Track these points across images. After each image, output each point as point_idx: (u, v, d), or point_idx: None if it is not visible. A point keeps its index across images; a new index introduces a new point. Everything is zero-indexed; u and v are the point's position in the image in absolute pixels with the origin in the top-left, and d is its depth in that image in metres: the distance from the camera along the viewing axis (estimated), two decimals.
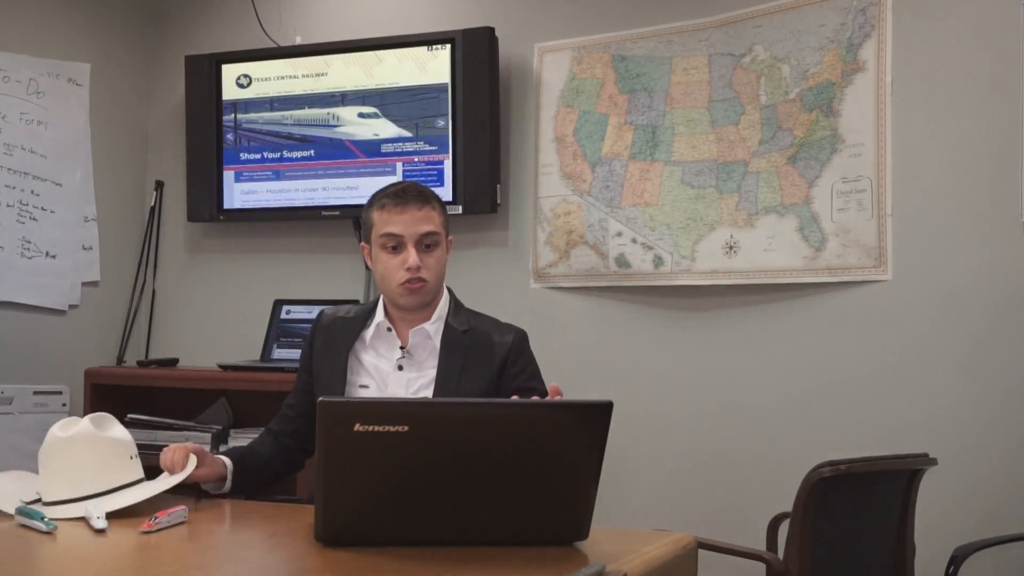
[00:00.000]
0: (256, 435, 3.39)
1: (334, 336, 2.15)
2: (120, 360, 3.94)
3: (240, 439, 3.44)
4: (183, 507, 1.69)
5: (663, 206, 3.28)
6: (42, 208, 3.66)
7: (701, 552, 1.73)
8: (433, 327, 2.10)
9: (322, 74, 3.71)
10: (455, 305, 2.16)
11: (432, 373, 2.08)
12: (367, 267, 3.68)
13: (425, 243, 2.06)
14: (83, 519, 1.64)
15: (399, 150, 3.59)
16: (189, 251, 4.06)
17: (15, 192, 3.57)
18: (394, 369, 2.09)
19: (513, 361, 2.12)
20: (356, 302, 3.62)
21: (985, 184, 2.85)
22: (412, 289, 2.04)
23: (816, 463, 2.23)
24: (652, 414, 3.30)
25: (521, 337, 2.17)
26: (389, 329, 2.11)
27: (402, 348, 2.10)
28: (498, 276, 3.48)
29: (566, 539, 1.54)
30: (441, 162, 3.52)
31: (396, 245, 2.05)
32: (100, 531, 1.58)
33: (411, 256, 2.03)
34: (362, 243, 2.18)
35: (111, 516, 1.66)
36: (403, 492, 1.47)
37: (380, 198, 2.11)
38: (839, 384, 3.05)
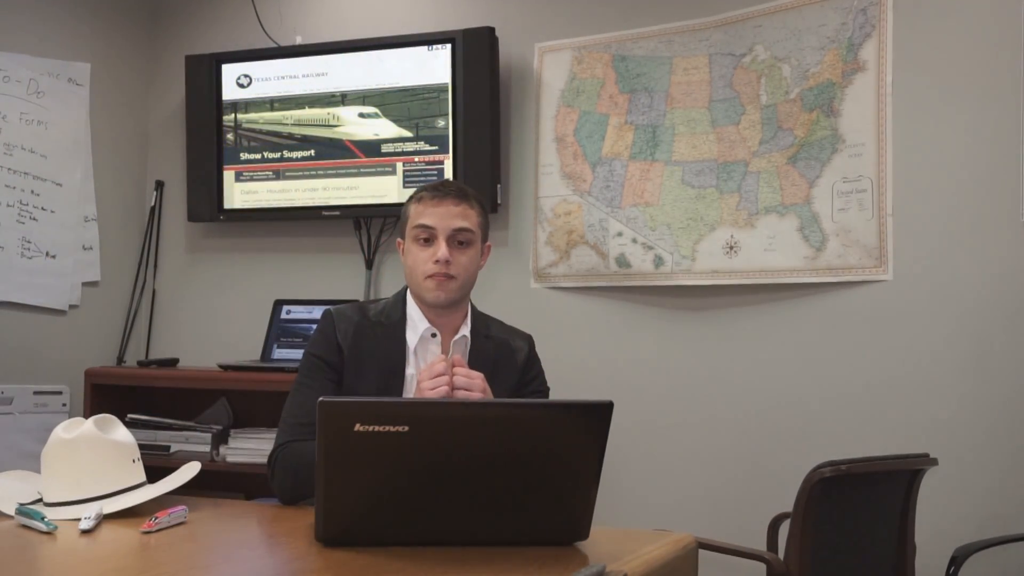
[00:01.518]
0: (258, 436, 3.42)
1: (369, 343, 2.01)
2: (120, 360, 3.94)
3: (240, 439, 3.44)
4: (183, 507, 1.69)
5: (663, 206, 3.28)
6: (42, 208, 3.66)
7: (701, 552, 1.73)
8: (467, 333, 2.06)
9: (322, 74, 3.71)
10: (474, 311, 2.12)
11: None
12: (367, 267, 3.73)
13: (458, 239, 1.99)
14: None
15: (399, 150, 3.59)
16: (189, 251, 4.06)
17: (15, 192, 3.57)
18: None
19: (529, 368, 2.12)
20: (355, 301, 3.63)
21: (985, 184, 2.85)
22: (439, 282, 1.97)
23: (816, 463, 2.23)
24: (652, 414, 3.30)
25: (532, 343, 2.17)
26: (434, 335, 2.03)
27: None
28: (498, 276, 3.48)
29: (566, 539, 1.54)
30: (441, 162, 3.52)
31: (428, 238, 1.99)
32: (86, 532, 1.58)
33: (441, 248, 1.97)
34: (398, 239, 2.11)
35: (111, 516, 1.67)
36: (403, 492, 1.47)
37: (419, 191, 2.06)
38: (839, 384, 3.05)
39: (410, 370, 2.01)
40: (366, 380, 1.97)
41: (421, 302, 2.04)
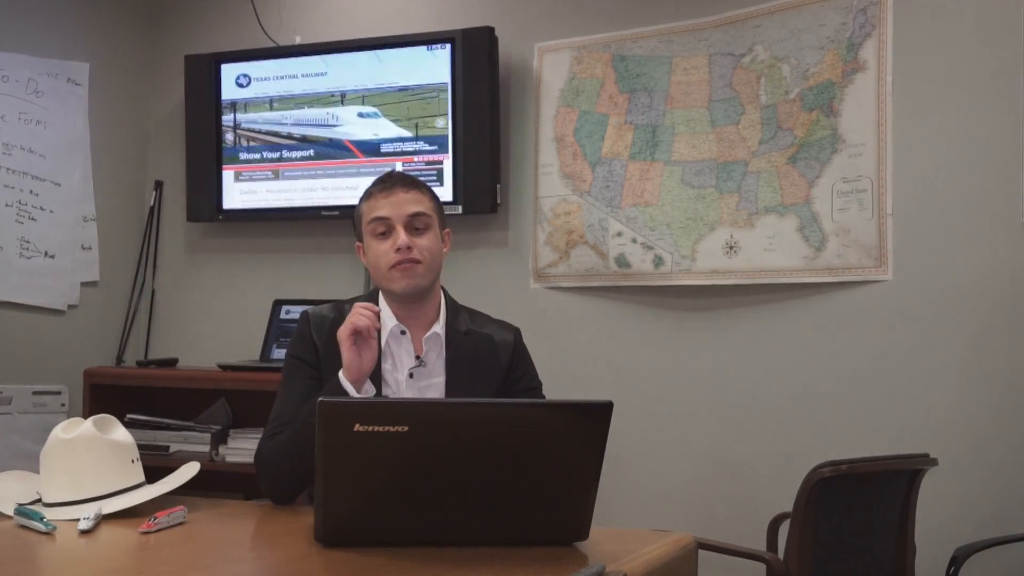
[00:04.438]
0: (257, 436, 3.41)
1: None
2: (119, 360, 3.93)
3: (240, 439, 3.44)
4: (182, 508, 1.69)
5: (663, 206, 3.28)
6: (41, 208, 3.65)
7: (701, 552, 1.73)
8: (440, 330, 2.03)
9: (321, 74, 3.71)
10: (451, 304, 2.09)
11: (440, 380, 2.01)
12: (366, 267, 3.72)
13: (415, 225, 1.98)
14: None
15: (399, 150, 3.59)
16: (188, 251, 4.05)
17: (14, 192, 3.57)
18: (406, 377, 2.01)
19: (517, 363, 2.09)
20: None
21: (985, 184, 2.85)
22: (404, 270, 1.95)
23: (816, 463, 2.23)
24: (652, 414, 3.30)
25: (519, 335, 2.13)
26: (403, 332, 2.01)
27: (418, 358, 2.01)
28: (498, 276, 3.48)
29: (566, 539, 1.54)
30: (441, 162, 3.52)
31: (385, 230, 1.98)
32: (85, 532, 1.57)
33: (400, 236, 1.95)
34: (356, 243, 2.09)
35: (110, 517, 1.66)
36: (403, 492, 1.47)
37: (367, 189, 2.05)
38: (839, 384, 3.05)
39: (386, 365, 2.00)
40: None
41: (390, 297, 2.02)
